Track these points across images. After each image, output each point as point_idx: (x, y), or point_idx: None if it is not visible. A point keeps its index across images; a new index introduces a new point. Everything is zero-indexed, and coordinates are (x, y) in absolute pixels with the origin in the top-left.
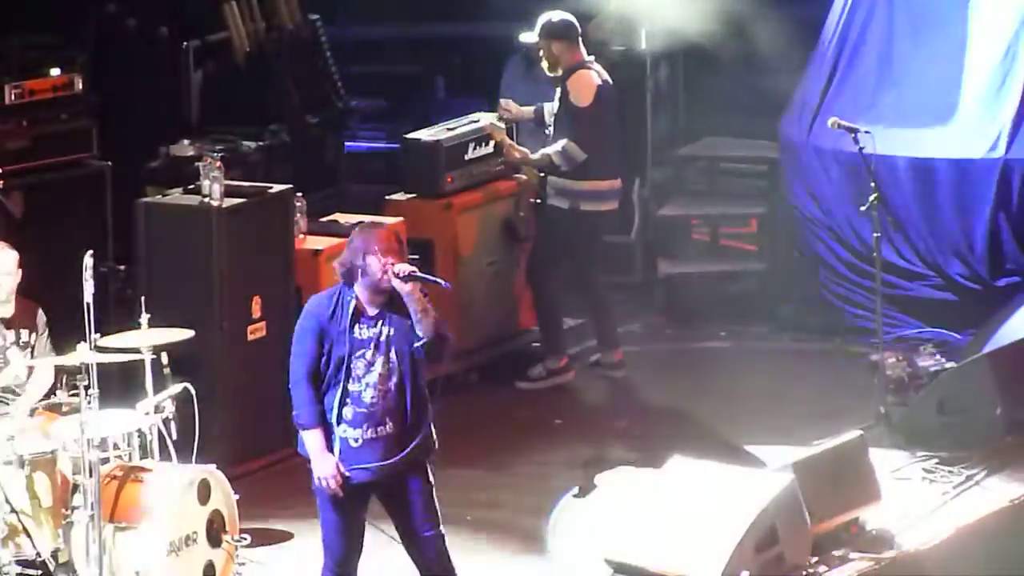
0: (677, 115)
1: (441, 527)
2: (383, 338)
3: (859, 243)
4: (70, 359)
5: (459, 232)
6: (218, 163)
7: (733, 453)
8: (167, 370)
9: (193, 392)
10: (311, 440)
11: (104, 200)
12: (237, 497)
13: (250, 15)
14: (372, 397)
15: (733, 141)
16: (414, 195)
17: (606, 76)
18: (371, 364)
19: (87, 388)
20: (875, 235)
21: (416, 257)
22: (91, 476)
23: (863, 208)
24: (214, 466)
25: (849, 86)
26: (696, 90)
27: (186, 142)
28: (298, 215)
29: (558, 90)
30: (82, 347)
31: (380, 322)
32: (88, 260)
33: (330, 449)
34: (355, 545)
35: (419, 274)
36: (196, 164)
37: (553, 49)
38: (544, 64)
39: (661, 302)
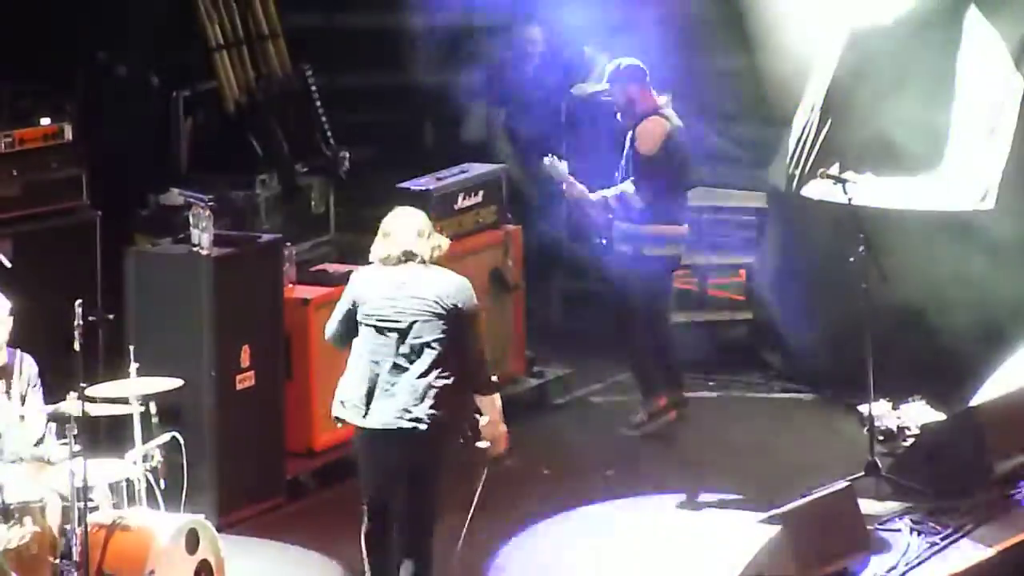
0: None
1: None
2: None
3: (846, 294)
4: (59, 408)
5: None
6: (208, 212)
7: (721, 503)
8: (155, 419)
9: (181, 441)
10: None
11: (94, 249)
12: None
13: (240, 64)
14: None
15: (721, 192)
16: None
17: (677, 121)
18: None
19: (76, 437)
20: (863, 286)
21: None
22: (79, 525)
23: (851, 259)
24: (203, 515)
25: (836, 136)
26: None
27: (176, 191)
28: (287, 264)
29: (628, 134)
30: (71, 397)
31: None
32: (78, 309)
33: None
34: None
35: None
36: (186, 213)
37: (629, 92)
38: (618, 108)
39: None
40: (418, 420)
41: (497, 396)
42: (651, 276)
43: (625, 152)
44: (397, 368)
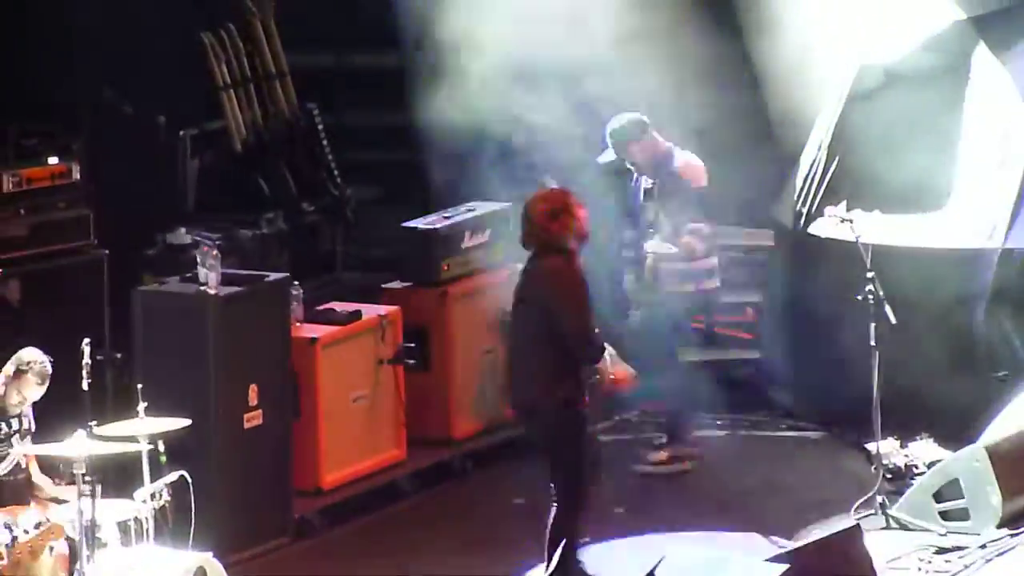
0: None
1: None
2: None
3: (854, 332)
4: (67, 448)
5: (454, 320)
6: (215, 251)
7: (728, 541)
8: (164, 458)
9: (189, 480)
10: None
11: (101, 288)
12: None
13: (247, 103)
14: None
15: (729, 229)
16: (410, 283)
17: None
18: None
19: (84, 476)
20: (872, 324)
21: (412, 345)
22: (88, 563)
23: (859, 297)
24: (211, 553)
25: (844, 173)
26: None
27: (183, 230)
28: (294, 303)
29: (651, 181)
30: (79, 435)
31: None
32: (85, 348)
33: None
34: None
35: None
36: (193, 252)
37: (636, 151)
38: (637, 168)
39: None
40: None
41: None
42: (704, 310)
43: (653, 198)
44: None
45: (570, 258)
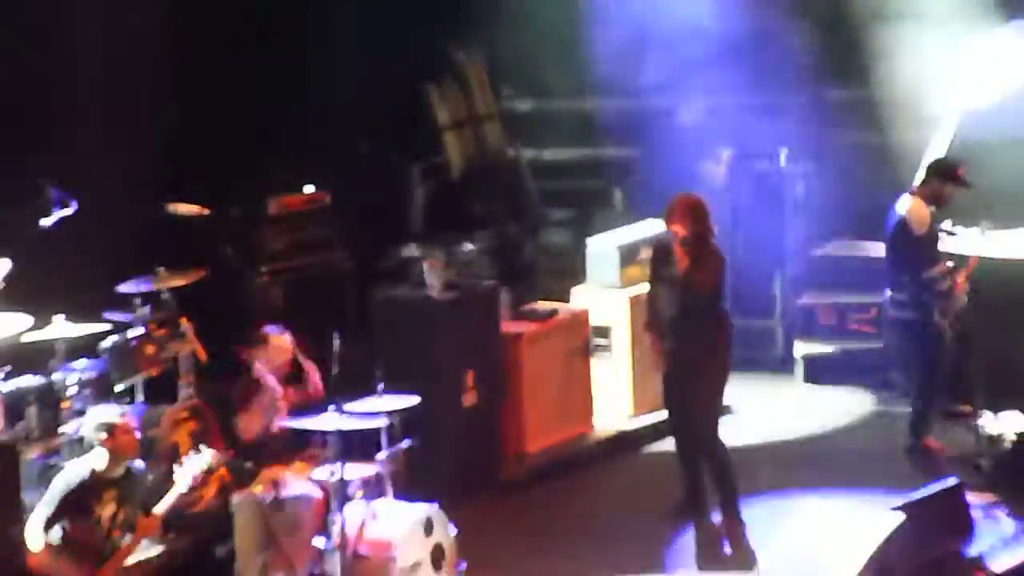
0: (810, 220)
1: None
2: None
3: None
4: (321, 421)
5: (633, 318)
6: (438, 263)
7: (863, 494)
8: (398, 429)
9: (418, 446)
10: None
11: (347, 292)
12: (455, 532)
13: (463, 141)
14: None
15: (856, 244)
16: (597, 288)
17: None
18: None
19: (335, 444)
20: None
21: (599, 339)
22: (339, 513)
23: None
24: (436, 505)
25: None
26: (826, 198)
27: (413, 245)
28: (503, 304)
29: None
30: (331, 411)
31: None
32: (335, 341)
33: None
34: None
35: None
36: (420, 264)
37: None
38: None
39: (799, 374)
40: None
41: None
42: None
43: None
44: None
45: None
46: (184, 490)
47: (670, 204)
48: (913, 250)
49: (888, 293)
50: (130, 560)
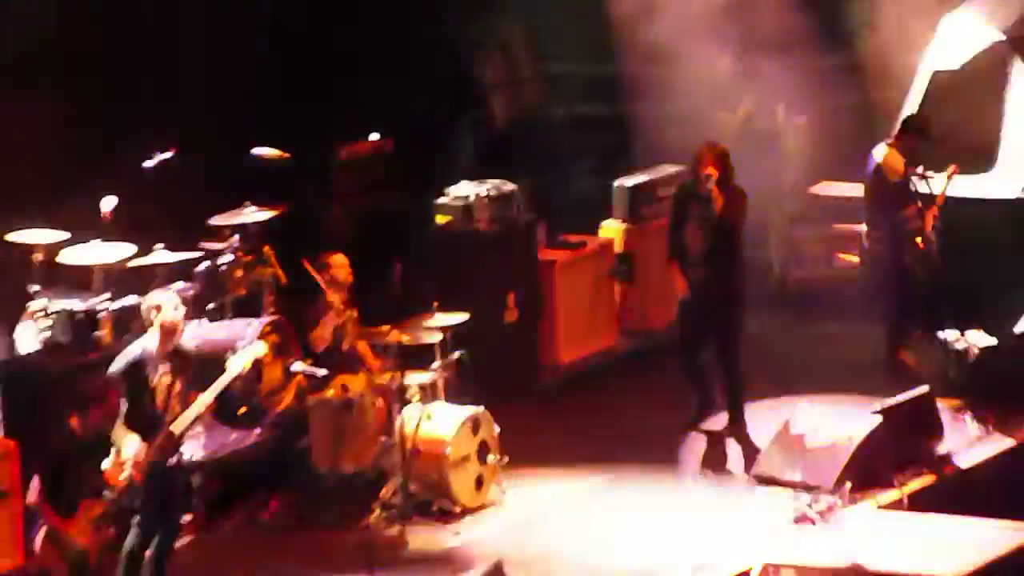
0: (803, 163)
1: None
2: None
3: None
4: (384, 337)
5: (651, 248)
6: (485, 200)
7: (846, 401)
8: (450, 343)
9: (468, 357)
10: None
11: (405, 227)
12: (498, 430)
13: (507, 99)
14: None
15: (844, 185)
16: (620, 221)
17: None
18: None
19: (396, 356)
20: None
21: (623, 265)
22: (399, 413)
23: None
24: (483, 408)
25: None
26: (818, 143)
27: (464, 182)
28: (539, 235)
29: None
30: (393, 329)
31: None
32: (397, 267)
33: None
34: None
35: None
36: (471, 199)
37: None
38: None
39: (791, 300)
40: None
41: None
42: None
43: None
44: None
45: None
46: (235, 374)
47: (699, 151)
48: (888, 194)
49: (865, 228)
50: (179, 428)
